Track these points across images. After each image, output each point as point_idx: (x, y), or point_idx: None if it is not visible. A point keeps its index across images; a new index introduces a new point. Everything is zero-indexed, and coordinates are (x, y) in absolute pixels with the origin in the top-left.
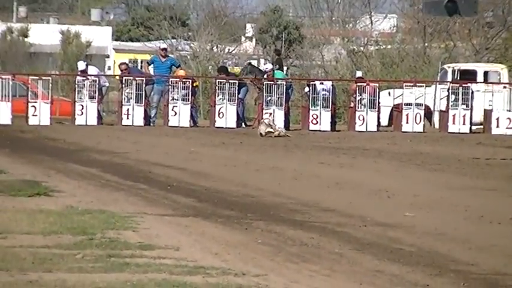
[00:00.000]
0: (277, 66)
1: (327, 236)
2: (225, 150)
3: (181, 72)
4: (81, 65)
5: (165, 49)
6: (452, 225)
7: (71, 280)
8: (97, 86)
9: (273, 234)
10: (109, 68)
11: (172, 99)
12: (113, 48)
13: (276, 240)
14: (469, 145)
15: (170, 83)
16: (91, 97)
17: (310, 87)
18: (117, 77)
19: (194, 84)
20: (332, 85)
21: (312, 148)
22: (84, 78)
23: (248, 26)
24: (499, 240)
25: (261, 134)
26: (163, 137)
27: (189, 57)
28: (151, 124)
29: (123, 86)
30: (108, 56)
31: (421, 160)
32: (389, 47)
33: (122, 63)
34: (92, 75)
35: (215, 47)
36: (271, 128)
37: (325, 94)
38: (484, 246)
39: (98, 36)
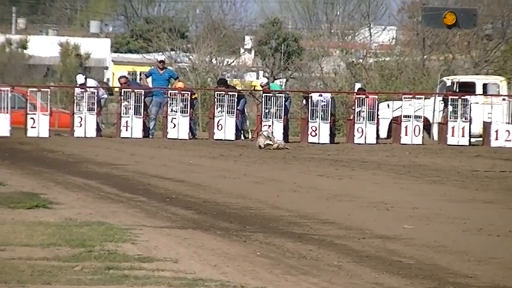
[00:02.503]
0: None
1: (325, 248)
2: (224, 162)
3: (179, 84)
4: (80, 79)
5: (162, 61)
6: (451, 238)
7: None
8: (95, 98)
9: (272, 246)
10: (108, 80)
11: (171, 111)
12: (112, 60)
13: (274, 253)
14: (468, 157)
15: (169, 95)
16: (90, 109)
17: (309, 100)
18: (116, 89)
19: (193, 97)
20: (332, 97)
21: (311, 160)
22: (83, 90)
23: (247, 38)
24: (497, 252)
25: (259, 146)
26: (162, 149)
27: (188, 69)
28: (150, 136)
29: (122, 98)
30: (106, 68)
31: (420, 172)
32: (388, 59)
33: (121, 77)
34: (91, 86)
35: (214, 59)
36: (270, 140)
37: (323, 104)
38: (483, 258)
39: (96, 48)
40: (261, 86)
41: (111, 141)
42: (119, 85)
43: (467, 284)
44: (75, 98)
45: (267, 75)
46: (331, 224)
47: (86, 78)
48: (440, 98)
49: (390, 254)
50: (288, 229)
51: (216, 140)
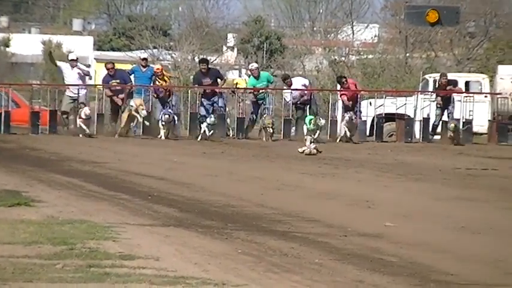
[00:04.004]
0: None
1: (308, 246)
2: (206, 160)
3: (157, 66)
4: (72, 55)
5: (145, 59)
6: (433, 235)
7: None
8: (79, 98)
9: (254, 244)
10: (90, 78)
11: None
12: (95, 58)
13: (256, 251)
14: (450, 155)
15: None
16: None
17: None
18: (98, 87)
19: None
20: (312, 95)
21: (294, 158)
22: (73, 66)
23: (230, 36)
24: (479, 250)
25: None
26: (144, 146)
27: (170, 67)
28: (133, 134)
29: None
30: (89, 66)
31: (403, 170)
32: (370, 56)
33: (108, 63)
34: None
35: (196, 57)
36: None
37: (304, 98)
38: (465, 256)
39: (79, 46)
40: (250, 70)
41: (93, 139)
42: (101, 82)
43: (449, 282)
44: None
45: (249, 73)
46: (313, 221)
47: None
48: (423, 96)
49: (372, 252)
50: (270, 227)
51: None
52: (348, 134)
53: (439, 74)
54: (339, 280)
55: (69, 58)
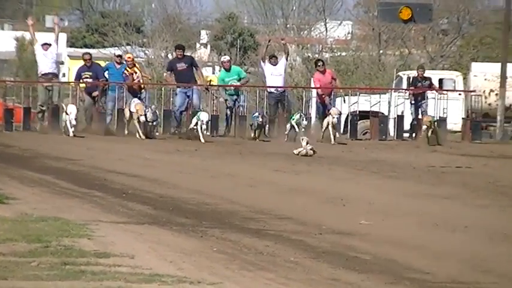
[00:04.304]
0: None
1: (282, 244)
2: (180, 157)
3: (128, 55)
4: (46, 40)
5: (120, 56)
6: (407, 233)
7: None
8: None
9: (228, 242)
10: (63, 75)
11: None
12: (68, 55)
13: (231, 248)
14: (424, 152)
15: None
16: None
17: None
18: (72, 84)
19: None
20: (285, 92)
21: (267, 155)
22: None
23: (203, 32)
24: (454, 247)
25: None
26: (118, 143)
27: (143, 63)
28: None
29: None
30: (62, 63)
31: (377, 167)
32: (344, 54)
33: (86, 53)
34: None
35: (170, 54)
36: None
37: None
38: (439, 253)
39: (52, 42)
40: (222, 62)
41: (67, 136)
42: (75, 77)
43: (423, 280)
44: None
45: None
46: (287, 219)
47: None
48: (397, 94)
49: (347, 250)
50: (244, 224)
51: (172, 134)
52: (335, 135)
53: (413, 71)
54: (313, 278)
55: (43, 43)
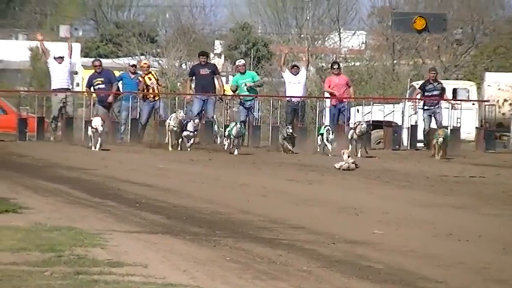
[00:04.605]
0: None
1: (295, 253)
2: (193, 167)
3: (144, 61)
4: (59, 53)
5: (134, 65)
6: (420, 243)
7: None
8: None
9: (241, 251)
10: (77, 85)
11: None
12: (82, 65)
13: (244, 258)
14: (437, 162)
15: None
16: (60, 114)
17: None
18: (85, 94)
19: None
20: (301, 102)
21: (281, 165)
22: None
23: (217, 42)
24: (467, 257)
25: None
26: (131, 153)
27: (157, 73)
28: (120, 141)
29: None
30: (76, 73)
31: (390, 177)
32: (358, 63)
33: (96, 60)
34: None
35: (184, 64)
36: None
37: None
38: (452, 263)
39: (66, 52)
40: (237, 66)
41: (80, 146)
42: (87, 86)
43: None
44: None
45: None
46: (300, 228)
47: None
48: (410, 103)
49: (360, 259)
50: (257, 234)
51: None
52: (360, 149)
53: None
54: (326, 287)
55: (56, 56)
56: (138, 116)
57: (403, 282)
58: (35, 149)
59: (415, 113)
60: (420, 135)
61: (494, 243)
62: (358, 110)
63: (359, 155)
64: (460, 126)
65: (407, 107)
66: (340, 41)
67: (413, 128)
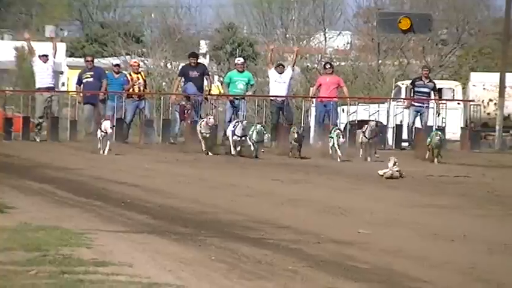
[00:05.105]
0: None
1: (281, 253)
2: (179, 167)
3: (134, 60)
4: (43, 52)
5: (117, 65)
6: (406, 243)
7: None
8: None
9: (227, 251)
10: (63, 85)
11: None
12: (67, 65)
13: (230, 257)
14: (423, 162)
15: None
16: (46, 113)
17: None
18: (71, 94)
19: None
20: (286, 101)
21: (266, 165)
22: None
23: (202, 42)
24: (452, 257)
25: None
26: (118, 153)
27: (142, 73)
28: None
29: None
30: (62, 73)
31: (373, 176)
32: (343, 64)
33: (89, 55)
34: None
35: (169, 64)
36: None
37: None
38: (438, 263)
39: (51, 52)
40: (235, 64)
41: (66, 145)
42: (75, 86)
43: None
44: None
45: (221, 79)
46: (286, 228)
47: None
48: (395, 103)
49: (346, 259)
50: (243, 234)
51: (171, 144)
52: (362, 153)
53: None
54: (312, 287)
55: (41, 54)
56: (123, 116)
57: (389, 282)
58: (20, 148)
59: (408, 108)
60: (405, 134)
61: (480, 243)
62: (343, 110)
63: (368, 159)
64: (445, 126)
65: (393, 107)
66: (326, 41)
67: (399, 128)
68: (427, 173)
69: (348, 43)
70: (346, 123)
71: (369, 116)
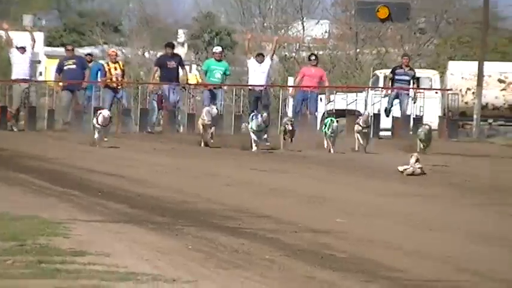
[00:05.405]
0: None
1: (258, 242)
2: (157, 156)
3: (113, 49)
4: (21, 43)
5: (90, 54)
6: (384, 232)
7: (0, 286)
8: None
9: (204, 240)
10: (40, 74)
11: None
12: (45, 54)
13: (207, 247)
14: (400, 151)
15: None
16: (23, 103)
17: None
18: (49, 83)
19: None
20: (265, 90)
21: (245, 154)
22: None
23: (180, 31)
24: (429, 246)
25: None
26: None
27: (121, 63)
28: (82, 130)
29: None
30: (39, 62)
31: (354, 166)
32: (321, 53)
33: (69, 45)
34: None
35: (147, 53)
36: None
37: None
38: (415, 252)
39: (29, 43)
40: (213, 53)
41: (44, 135)
42: (53, 75)
43: (399, 278)
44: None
45: (199, 68)
46: (264, 218)
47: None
48: (374, 92)
49: (323, 248)
50: (221, 223)
51: (148, 133)
52: (362, 142)
53: (389, 69)
54: (289, 276)
55: (19, 46)
56: (100, 105)
57: (366, 271)
58: None
59: (386, 96)
60: (383, 123)
61: (457, 231)
62: (321, 99)
63: (356, 148)
64: (423, 115)
65: (371, 96)
66: (304, 30)
67: (377, 117)
68: (404, 162)
69: (326, 32)
70: (324, 113)
71: (347, 105)
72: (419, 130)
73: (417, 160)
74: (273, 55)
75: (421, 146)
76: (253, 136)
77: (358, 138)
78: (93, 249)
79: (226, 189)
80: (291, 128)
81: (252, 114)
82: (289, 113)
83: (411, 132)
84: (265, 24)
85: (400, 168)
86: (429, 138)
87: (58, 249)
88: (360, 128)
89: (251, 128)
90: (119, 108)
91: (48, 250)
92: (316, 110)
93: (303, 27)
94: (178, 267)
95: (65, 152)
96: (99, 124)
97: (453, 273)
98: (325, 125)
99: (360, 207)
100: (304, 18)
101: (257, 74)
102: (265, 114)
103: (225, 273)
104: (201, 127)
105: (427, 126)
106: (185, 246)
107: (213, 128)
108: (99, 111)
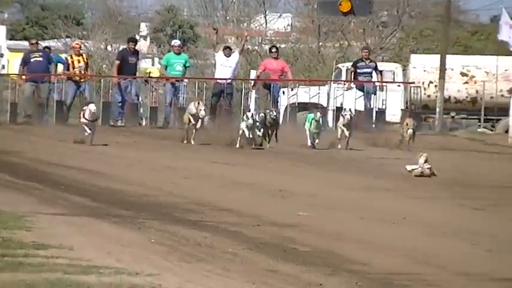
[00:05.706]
0: None
1: (220, 235)
2: (119, 149)
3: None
4: None
5: (48, 47)
6: (348, 226)
7: None
8: None
9: (167, 233)
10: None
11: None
12: (7, 48)
13: (169, 240)
14: (364, 145)
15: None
16: None
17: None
18: (12, 76)
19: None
20: (228, 84)
21: (206, 147)
22: None
23: (142, 25)
24: (393, 240)
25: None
26: (60, 136)
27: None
28: (44, 123)
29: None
30: (2, 55)
31: (316, 160)
32: (283, 46)
33: (33, 38)
34: None
35: (109, 46)
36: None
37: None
38: (378, 246)
39: None
40: (172, 46)
41: (7, 128)
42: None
43: (362, 271)
44: None
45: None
46: (226, 211)
47: None
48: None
49: (286, 241)
50: (183, 216)
51: (111, 126)
52: (346, 134)
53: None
54: (251, 269)
55: None
56: (62, 98)
57: (328, 264)
58: None
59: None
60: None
61: (420, 225)
62: (283, 92)
63: (345, 147)
64: (385, 108)
65: (333, 89)
66: (266, 24)
67: (339, 110)
68: (367, 156)
69: (288, 25)
70: (287, 106)
71: (310, 98)
72: (405, 127)
73: (426, 160)
74: (242, 50)
75: (407, 141)
76: (245, 132)
77: (343, 131)
78: (56, 243)
79: (187, 183)
80: (273, 121)
81: (246, 114)
82: (252, 107)
83: (374, 126)
84: (227, 17)
85: (408, 168)
86: (414, 133)
87: (21, 242)
88: (344, 123)
89: (241, 127)
90: (82, 101)
91: (11, 243)
92: (279, 103)
93: (266, 20)
94: (141, 260)
95: (28, 145)
96: (86, 119)
97: (415, 266)
98: (308, 121)
99: (322, 200)
100: (267, 12)
101: (224, 68)
102: (262, 114)
103: (188, 267)
104: (187, 121)
105: (348, 116)
106: (148, 240)
107: (198, 123)
108: (85, 107)
